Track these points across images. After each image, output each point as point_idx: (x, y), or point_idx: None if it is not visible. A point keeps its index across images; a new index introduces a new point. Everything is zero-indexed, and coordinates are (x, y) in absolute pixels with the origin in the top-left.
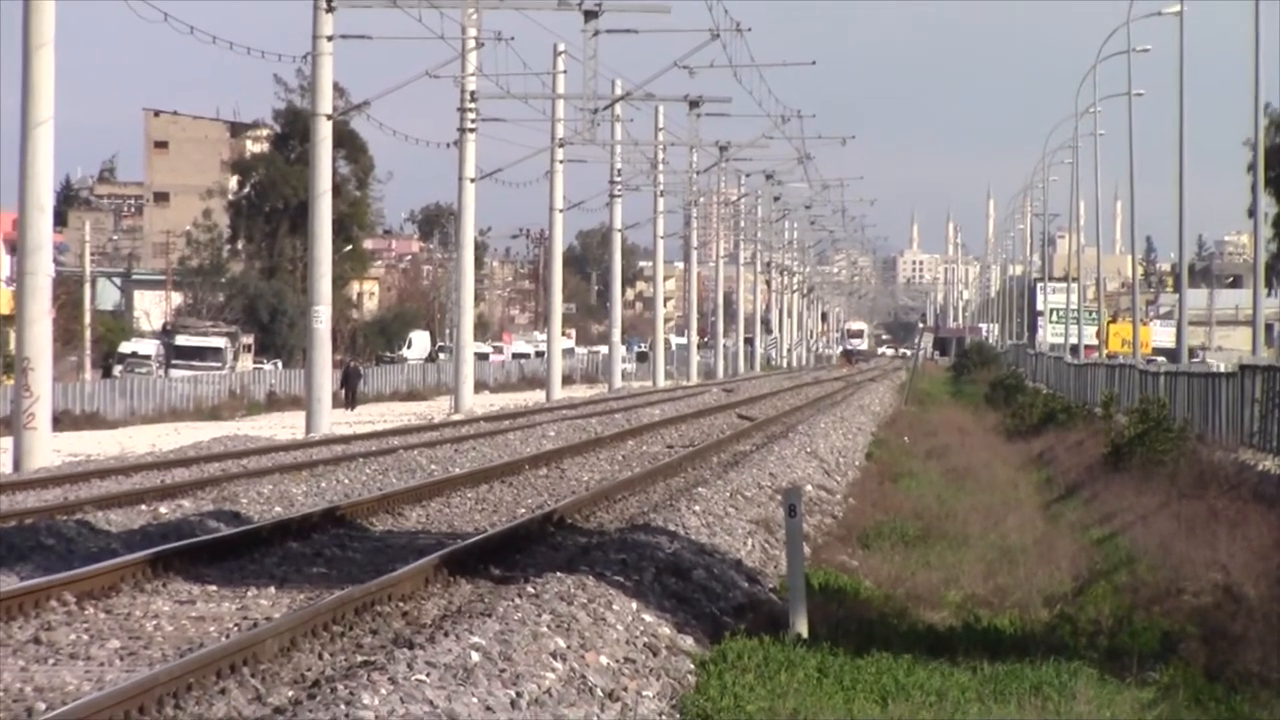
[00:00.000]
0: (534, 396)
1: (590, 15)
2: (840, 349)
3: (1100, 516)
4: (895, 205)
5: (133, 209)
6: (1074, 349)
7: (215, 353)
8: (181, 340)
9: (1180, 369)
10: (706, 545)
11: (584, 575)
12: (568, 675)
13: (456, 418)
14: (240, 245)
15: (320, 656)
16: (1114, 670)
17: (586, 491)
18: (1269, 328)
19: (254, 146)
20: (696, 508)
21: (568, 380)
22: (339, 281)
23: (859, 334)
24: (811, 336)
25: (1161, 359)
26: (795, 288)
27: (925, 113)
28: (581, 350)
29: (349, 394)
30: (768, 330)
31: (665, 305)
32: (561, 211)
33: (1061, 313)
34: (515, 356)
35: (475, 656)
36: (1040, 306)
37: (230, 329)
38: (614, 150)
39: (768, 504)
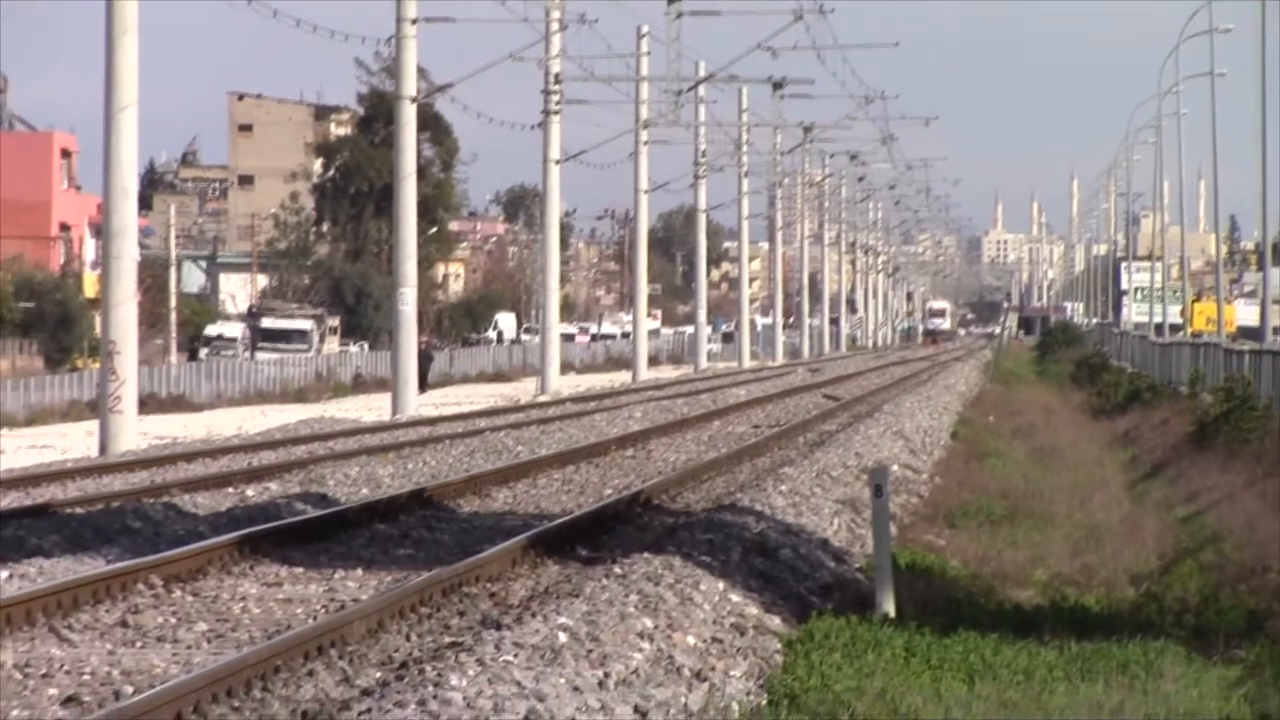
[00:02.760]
0: (620, 377)
1: None
2: (921, 328)
3: (1186, 495)
4: (979, 185)
5: (217, 192)
6: (1159, 328)
7: (301, 335)
8: (267, 323)
9: (1265, 347)
10: (793, 525)
11: (671, 555)
12: (655, 655)
13: (543, 399)
14: (325, 228)
15: (408, 638)
16: (1200, 649)
17: (673, 472)
18: None
19: (338, 129)
20: (783, 488)
21: (653, 361)
22: (424, 264)
23: (941, 313)
24: (896, 316)
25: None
26: (880, 268)
27: (1008, 93)
28: (667, 331)
29: (420, 377)
30: (853, 310)
31: (750, 286)
32: (646, 193)
33: (1146, 292)
34: (596, 338)
35: (563, 637)
36: (1124, 285)
37: (316, 311)
38: (698, 132)
39: (854, 484)
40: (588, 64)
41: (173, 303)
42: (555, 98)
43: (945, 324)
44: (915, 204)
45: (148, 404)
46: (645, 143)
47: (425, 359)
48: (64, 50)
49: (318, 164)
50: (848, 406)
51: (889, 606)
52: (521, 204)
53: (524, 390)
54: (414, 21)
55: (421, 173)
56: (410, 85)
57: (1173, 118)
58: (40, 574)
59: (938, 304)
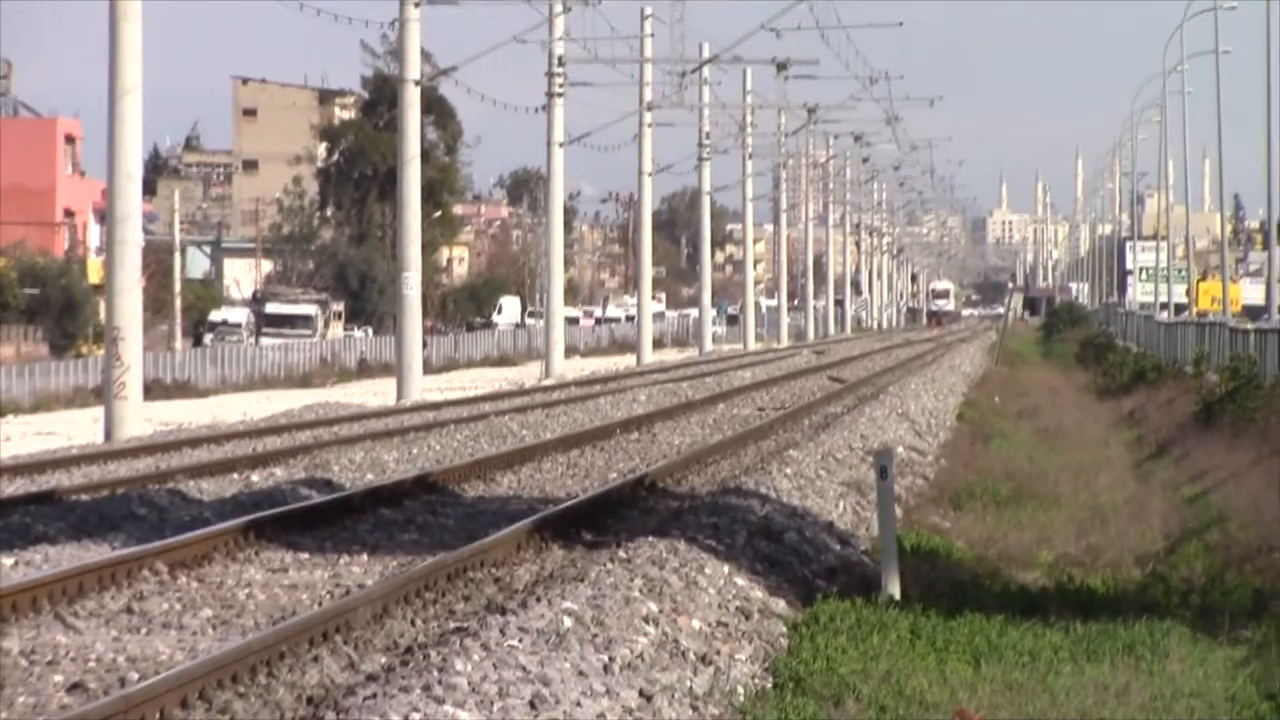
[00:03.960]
0: (624, 361)
1: None
2: (925, 309)
3: (1191, 475)
4: (984, 166)
5: (221, 177)
6: (1164, 307)
7: (306, 320)
8: (272, 308)
9: (1271, 326)
10: (798, 508)
11: (676, 539)
12: (660, 639)
13: (547, 383)
14: (330, 212)
15: (413, 623)
16: (1206, 629)
17: (677, 455)
18: None
19: (342, 113)
20: (788, 470)
21: (658, 344)
22: (428, 248)
23: (944, 294)
24: (901, 297)
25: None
26: (885, 249)
27: (1013, 73)
28: (671, 314)
29: None
30: (858, 292)
31: (755, 268)
32: (650, 175)
33: (1151, 271)
34: (601, 321)
35: (568, 622)
36: (1129, 265)
37: (320, 296)
38: (702, 113)
39: (859, 466)
40: (591, 46)
41: (177, 288)
42: (559, 80)
43: (949, 305)
44: (920, 185)
45: (153, 390)
46: (649, 125)
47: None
48: (67, 36)
49: (322, 148)
50: (853, 388)
51: (894, 589)
52: (525, 187)
53: (528, 374)
54: (417, 4)
55: (425, 156)
56: (414, 68)
57: (1177, 96)
58: (46, 561)
59: (941, 285)
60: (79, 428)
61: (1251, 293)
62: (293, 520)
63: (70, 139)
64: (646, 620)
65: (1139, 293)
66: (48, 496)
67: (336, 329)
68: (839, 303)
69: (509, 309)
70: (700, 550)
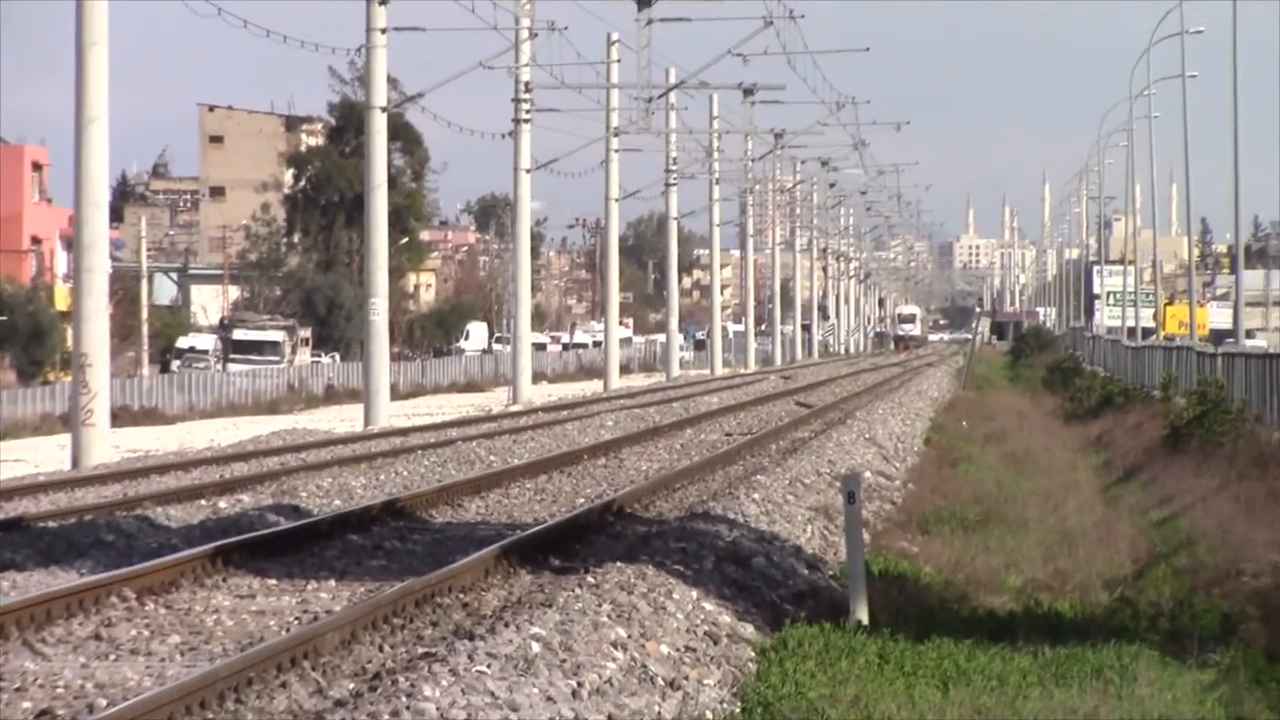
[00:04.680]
0: (592, 386)
1: (643, 4)
2: (892, 334)
3: (1159, 499)
4: (951, 190)
5: (188, 204)
6: (1131, 332)
7: (273, 346)
8: (239, 334)
9: (1238, 350)
10: (766, 533)
11: (644, 564)
12: (629, 664)
13: (515, 408)
14: (297, 239)
15: (381, 649)
16: (1175, 653)
17: (645, 481)
18: None
19: (309, 140)
20: (756, 495)
21: (625, 369)
22: (395, 274)
23: (910, 318)
24: (869, 322)
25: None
26: (852, 274)
27: (980, 97)
28: (639, 339)
29: None
30: (825, 317)
31: (722, 293)
32: (617, 201)
33: (1118, 296)
34: (568, 347)
35: (536, 647)
36: (1097, 290)
37: (287, 323)
38: (669, 139)
39: (827, 491)
40: (558, 72)
41: (144, 315)
42: (525, 106)
43: (915, 329)
44: (887, 209)
45: (120, 417)
46: (616, 150)
47: None
48: (33, 62)
49: (289, 175)
50: (820, 413)
51: (862, 613)
52: (492, 213)
53: (496, 400)
54: (384, 30)
55: (392, 182)
56: (380, 95)
57: (1144, 120)
58: (13, 587)
59: (906, 309)
60: (46, 455)
61: (1219, 317)
62: (260, 546)
63: (37, 166)
64: (615, 645)
65: (1106, 317)
66: (15, 524)
67: (304, 355)
68: (806, 328)
69: (476, 335)
70: (668, 575)
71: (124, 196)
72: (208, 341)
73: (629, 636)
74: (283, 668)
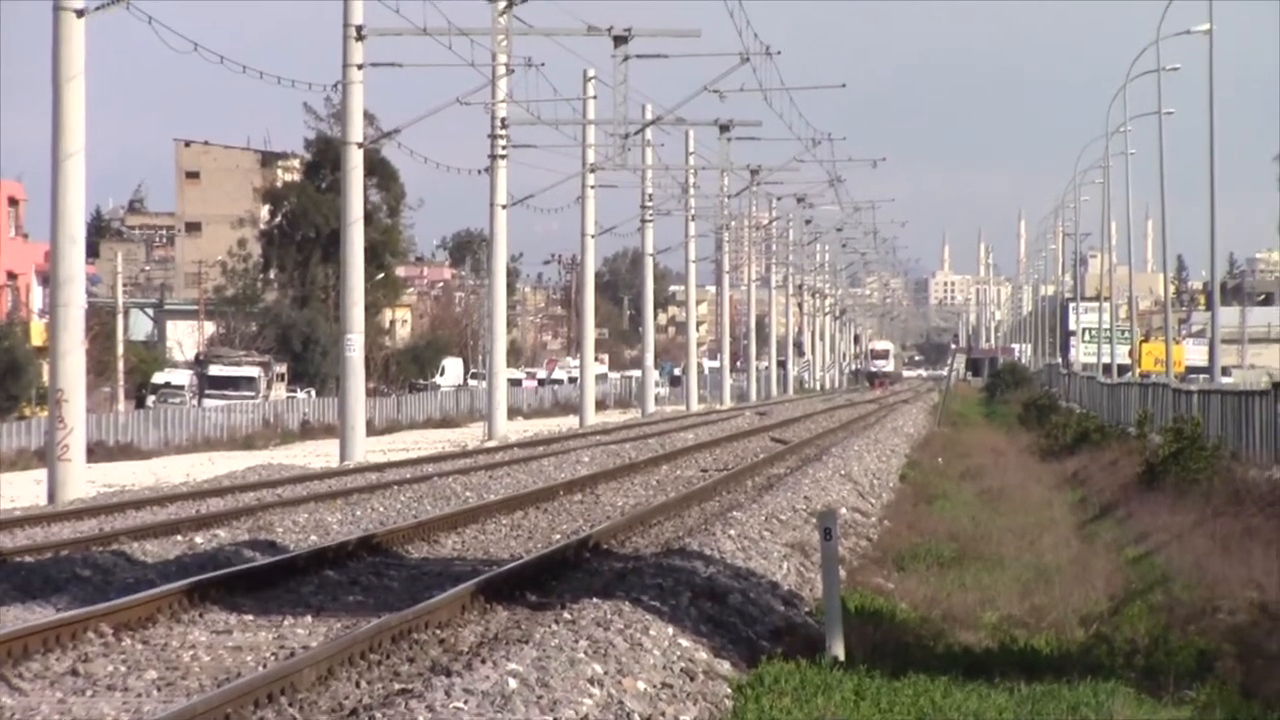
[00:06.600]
0: (567, 422)
1: (620, 40)
2: (866, 370)
3: (1135, 536)
4: (926, 227)
5: (164, 239)
6: (1107, 368)
7: (249, 382)
8: (215, 370)
9: (1214, 387)
10: (742, 569)
11: (620, 601)
12: (605, 701)
13: (490, 444)
14: (273, 274)
15: (358, 685)
16: (1151, 690)
17: (621, 517)
18: None
19: (285, 175)
20: (732, 532)
21: (601, 405)
22: (371, 309)
23: (884, 354)
24: (844, 359)
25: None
26: (827, 310)
27: (956, 134)
28: (614, 375)
29: None
30: (800, 353)
31: (698, 329)
32: (593, 237)
33: (1094, 332)
34: (544, 383)
35: (513, 683)
36: (1073, 326)
37: (263, 358)
38: (645, 175)
39: (803, 527)
40: (534, 108)
41: (120, 350)
42: (502, 142)
43: (888, 365)
44: (862, 246)
45: (96, 452)
46: (592, 186)
47: None
48: (9, 97)
49: (265, 210)
50: (796, 450)
51: (839, 650)
52: (468, 249)
53: (471, 436)
54: (360, 66)
55: (368, 218)
56: (357, 131)
57: (1120, 157)
58: None
59: (880, 345)
60: (22, 489)
61: (1195, 354)
62: (237, 582)
63: (13, 201)
64: (591, 682)
65: (1082, 353)
66: None
67: (279, 391)
68: (781, 364)
69: (451, 370)
70: (645, 612)
71: (100, 232)
72: (183, 377)
73: (606, 673)
74: (259, 704)
